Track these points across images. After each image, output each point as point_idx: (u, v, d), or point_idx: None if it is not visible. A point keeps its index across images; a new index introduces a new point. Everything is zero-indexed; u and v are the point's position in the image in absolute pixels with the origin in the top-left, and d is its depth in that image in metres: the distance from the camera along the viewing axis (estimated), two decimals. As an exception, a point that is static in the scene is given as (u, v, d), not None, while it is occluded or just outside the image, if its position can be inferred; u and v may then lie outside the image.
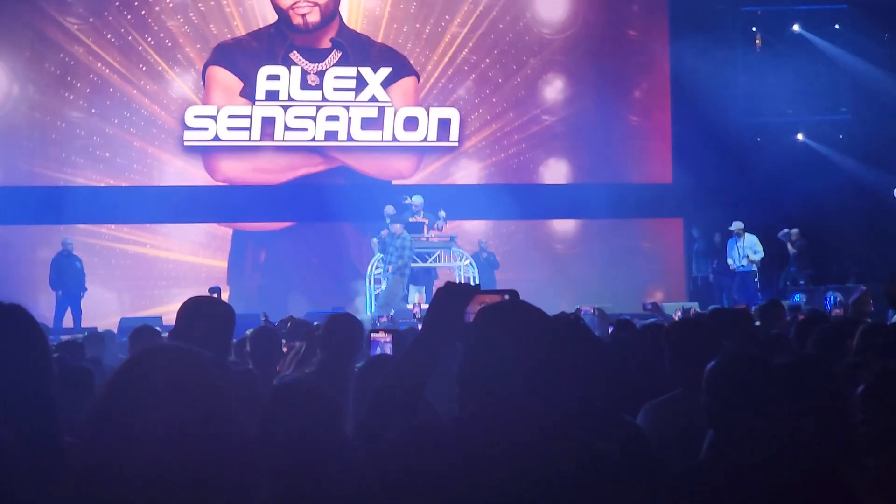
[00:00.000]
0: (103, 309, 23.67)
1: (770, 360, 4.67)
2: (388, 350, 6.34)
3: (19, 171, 24.48)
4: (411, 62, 26.24)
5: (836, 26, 27.61)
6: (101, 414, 2.59)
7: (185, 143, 25.43)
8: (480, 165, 26.75)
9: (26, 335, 3.46)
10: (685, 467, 4.48)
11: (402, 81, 26.14)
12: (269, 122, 25.55)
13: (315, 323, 10.04)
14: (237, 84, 25.52)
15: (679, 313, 17.95)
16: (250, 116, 25.51)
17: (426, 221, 23.51)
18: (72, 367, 7.42)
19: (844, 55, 27.07)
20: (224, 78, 25.48)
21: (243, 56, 25.53)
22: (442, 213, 23.82)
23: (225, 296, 22.50)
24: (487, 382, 3.14)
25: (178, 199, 24.79)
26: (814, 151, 27.58)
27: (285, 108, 25.61)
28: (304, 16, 25.70)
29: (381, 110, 26.00)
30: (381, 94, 25.92)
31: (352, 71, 25.83)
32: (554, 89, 26.91)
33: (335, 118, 25.84)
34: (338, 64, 25.80)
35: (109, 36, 24.94)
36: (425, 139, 26.27)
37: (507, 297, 3.50)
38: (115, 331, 16.47)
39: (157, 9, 25.14)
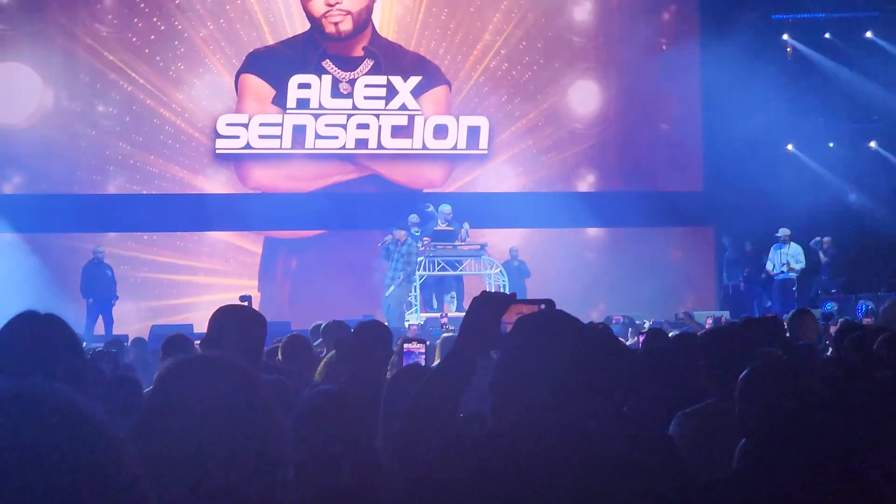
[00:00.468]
0: (134, 317, 23.76)
1: (800, 368, 4.65)
2: (422, 361, 6.33)
3: (50, 179, 24.54)
4: (443, 71, 26.26)
5: (868, 34, 27.52)
6: (143, 425, 2.60)
7: (217, 152, 25.51)
8: (511, 174, 26.73)
9: (63, 345, 3.46)
10: (718, 477, 4.46)
11: (434, 90, 26.17)
12: (300, 130, 25.60)
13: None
14: (269, 92, 25.58)
15: (710, 322, 17.90)
16: (281, 125, 25.57)
17: (453, 229, 23.47)
18: (120, 378, 7.42)
19: (875, 63, 26.98)
20: (256, 86, 25.55)
21: (276, 64, 25.58)
22: (466, 226, 23.74)
23: (255, 303, 22.54)
24: (524, 392, 3.13)
25: (209, 207, 24.83)
26: (844, 160, 27.47)
27: (316, 116, 25.66)
28: (336, 24, 25.74)
29: (411, 118, 26.04)
30: (411, 102, 25.96)
31: (382, 79, 25.88)
32: (585, 97, 26.88)
33: (365, 126, 25.88)
34: (370, 72, 25.85)
35: (140, 44, 25.02)
36: (455, 147, 26.30)
37: (543, 306, 3.47)
38: (147, 338, 16.55)
39: (188, 15, 25.20)
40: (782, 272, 24.59)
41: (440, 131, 26.19)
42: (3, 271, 22.71)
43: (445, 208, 23.74)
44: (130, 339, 16.50)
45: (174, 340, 8.82)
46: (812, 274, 25.31)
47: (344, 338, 7.48)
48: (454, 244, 23.40)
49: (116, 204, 24.69)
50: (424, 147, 26.14)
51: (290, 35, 25.79)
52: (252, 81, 25.53)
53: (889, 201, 26.22)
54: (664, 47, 27.27)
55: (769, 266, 24.90)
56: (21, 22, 24.55)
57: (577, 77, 26.90)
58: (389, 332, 7.08)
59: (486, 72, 26.55)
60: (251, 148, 25.58)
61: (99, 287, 23.12)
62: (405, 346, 6.66)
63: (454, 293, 23.85)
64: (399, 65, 26.01)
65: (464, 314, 3.58)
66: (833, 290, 24.63)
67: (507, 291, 21.51)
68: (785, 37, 28.02)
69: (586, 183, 27.16)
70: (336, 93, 25.71)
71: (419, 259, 22.87)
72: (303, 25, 25.80)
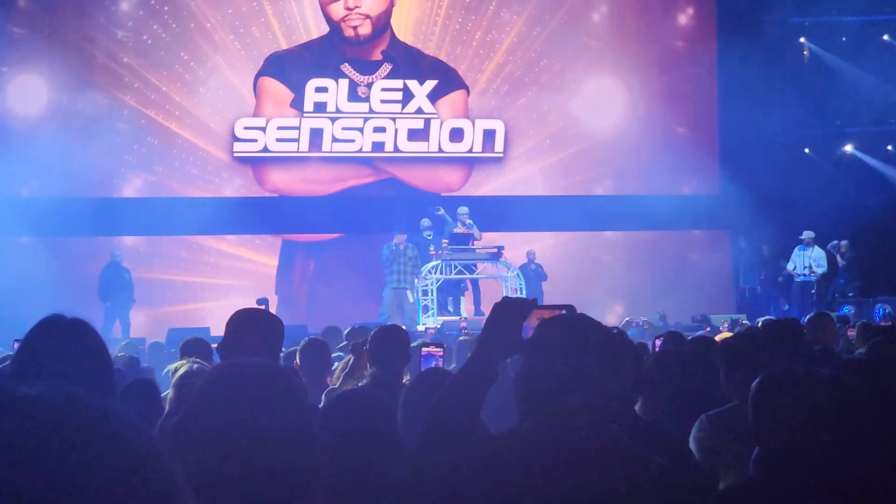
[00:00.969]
0: (150, 320, 23.80)
1: (813, 375, 4.65)
2: (440, 364, 6.34)
3: (67, 182, 24.58)
4: (461, 75, 26.28)
5: (885, 37, 27.47)
6: (183, 431, 2.61)
7: (235, 155, 25.55)
8: (528, 177, 26.71)
9: (89, 349, 3.46)
10: (733, 484, 4.47)
11: (452, 95, 26.21)
12: (317, 134, 25.65)
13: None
14: (288, 95, 25.63)
15: (727, 325, 17.91)
16: (299, 128, 25.63)
17: (471, 232, 23.45)
18: (138, 381, 7.45)
19: (892, 66, 26.92)
20: (275, 89, 25.61)
21: (295, 67, 25.63)
22: (477, 234, 23.70)
23: (273, 306, 22.56)
24: (547, 397, 3.14)
25: (227, 210, 24.83)
26: (862, 163, 27.44)
27: (333, 119, 25.71)
28: (355, 28, 25.78)
29: (427, 122, 26.08)
30: (427, 106, 26.00)
31: (398, 83, 25.93)
32: (602, 100, 26.84)
33: (382, 129, 25.93)
34: (388, 76, 25.89)
35: (156, 46, 25.07)
36: (471, 150, 26.33)
37: (564, 311, 3.48)
38: (164, 341, 16.58)
39: (206, 16, 25.24)
40: (804, 275, 24.56)
41: (456, 134, 26.22)
42: (21, 274, 22.76)
43: (463, 210, 23.74)
44: (147, 342, 16.52)
45: (191, 344, 8.83)
46: (829, 277, 25.27)
47: (362, 342, 7.49)
48: (471, 247, 23.37)
49: (133, 207, 24.73)
50: (440, 150, 26.17)
51: (311, 38, 25.82)
52: (271, 84, 25.59)
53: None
54: (681, 50, 27.24)
55: (790, 266, 24.86)
56: (39, 26, 24.60)
57: (594, 80, 26.86)
58: (408, 336, 7.09)
59: (503, 75, 26.57)
60: (269, 151, 25.63)
61: (116, 290, 23.14)
62: (423, 349, 6.67)
63: (452, 294, 23.88)
64: (417, 69, 26.04)
65: (483, 318, 3.59)
66: (850, 294, 24.59)
67: (524, 295, 21.58)
68: (802, 40, 27.98)
69: (603, 186, 27.15)
70: (353, 96, 25.75)
71: (436, 262, 22.92)
72: (318, 30, 25.84)
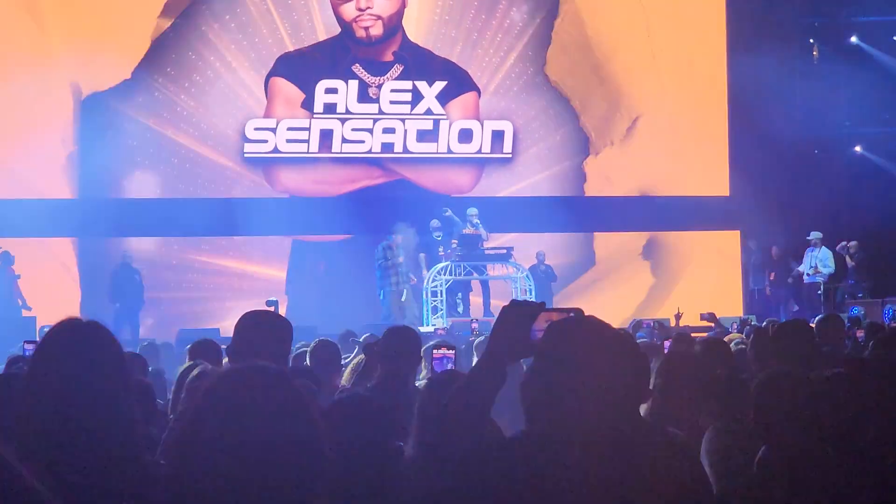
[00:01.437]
0: (160, 321, 23.83)
1: (813, 375, 4.68)
2: (452, 366, 6.33)
3: (77, 184, 24.60)
4: (472, 76, 26.28)
5: (895, 38, 27.46)
6: (189, 435, 2.62)
7: (245, 155, 25.55)
8: (537, 178, 26.71)
9: (106, 354, 3.44)
10: (737, 483, 4.49)
11: (463, 96, 26.20)
12: (326, 135, 25.65)
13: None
14: (299, 95, 25.63)
15: (736, 326, 17.91)
16: (308, 129, 25.63)
17: (480, 233, 23.45)
18: (139, 384, 7.48)
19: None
20: (286, 89, 25.60)
21: (306, 68, 25.62)
22: (484, 234, 23.71)
23: (282, 307, 22.55)
24: (557, 399, 3.16)
25: (237, 211, 24.82)
26: (872, 163, 27.42)
27: (342, 120, 25.71)
28: (367, 29, 25.78)
29: (436, 122, 26.08)
30: (436, 107, 25.99)
31: (407, 84, 25.93)
32: (611, 102, 26.82)
33: (391, 130, 25.94)
34: (399, 77, 25.90)
35: (165, 46, 25.07)
36: (479, 150, 26.33)
37: (572, 314, 3.49)
38: (173, 343, 16.61)
39: (216, 17, 25.25)
40: (809, 275, 24.59)
41: (465, 135, 26.22)
42: (33, 275, 22.82)
43: (472, 211, 23.76)
44: (157, 343, 16.53)
45: (201, 345, 8.86)
46: (838, 278, 25.24)
47: (372, 343, 7.50)
48: (482, 248, 23.37)
49: (143, 208, 24.73)
50: (449, 151, 26.16)
51: (323, 39, 25.82)
52: (282, 85, 25.59)
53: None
54: (691, 50, 27.20)
55: (801, 268, 24.92)
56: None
57: (603, 81, 26.85)
58: (419, 338, 7.09)
59: (514, 77, 26.56)
60: (279, 152, 25.63)
61: (127, 292, 23.18)
62: (434, 352, 6.68)
63: (461, 294, 23.90)
64: (428, 70, 26.04)
65: (493, 319, 3.60)
66: (860, 295, 24.55)
67: (534, 296, 21.55)
68: (811, 40, 27.96)
69: (612, 187, 27.12)
70: (363, 97, 25.75)
71: (445, 263, 22.95)
72: (327, 31, 25.83)
